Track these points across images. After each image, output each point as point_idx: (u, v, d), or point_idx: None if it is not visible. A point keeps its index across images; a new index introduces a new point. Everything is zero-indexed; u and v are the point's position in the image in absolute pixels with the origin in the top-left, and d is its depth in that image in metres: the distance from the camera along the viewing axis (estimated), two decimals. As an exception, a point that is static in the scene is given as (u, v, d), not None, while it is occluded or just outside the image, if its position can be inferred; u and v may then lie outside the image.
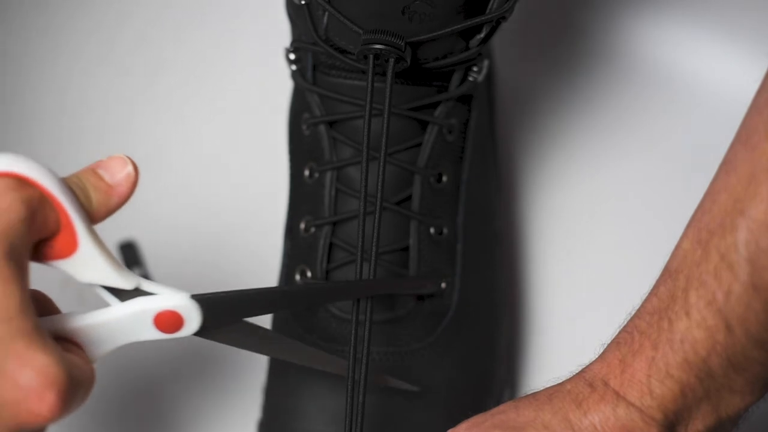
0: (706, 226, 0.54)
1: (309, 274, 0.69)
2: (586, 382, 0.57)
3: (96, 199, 0.54)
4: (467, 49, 0.67)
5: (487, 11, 0.64)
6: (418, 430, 0.68)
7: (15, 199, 0.50)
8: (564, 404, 0.56)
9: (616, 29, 0.88)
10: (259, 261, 0.78)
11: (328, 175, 0.69)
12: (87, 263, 0.54)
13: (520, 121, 0.85)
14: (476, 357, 0.71)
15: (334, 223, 0.69)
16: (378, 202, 0.63)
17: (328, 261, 0.69)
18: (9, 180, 0.51)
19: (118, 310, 0.55)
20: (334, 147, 0.69)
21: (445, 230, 0.70)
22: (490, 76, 0.76)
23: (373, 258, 0.62)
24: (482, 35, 0.66)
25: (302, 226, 0.70)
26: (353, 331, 0.62)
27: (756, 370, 0.54)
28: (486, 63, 0.69)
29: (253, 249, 0.80)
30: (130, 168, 0.55)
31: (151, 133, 0.86)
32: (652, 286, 0.57)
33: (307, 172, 0.70)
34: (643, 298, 0.57)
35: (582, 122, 0.85)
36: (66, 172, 0.80)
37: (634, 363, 0.55)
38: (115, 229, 0.81)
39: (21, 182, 0.51)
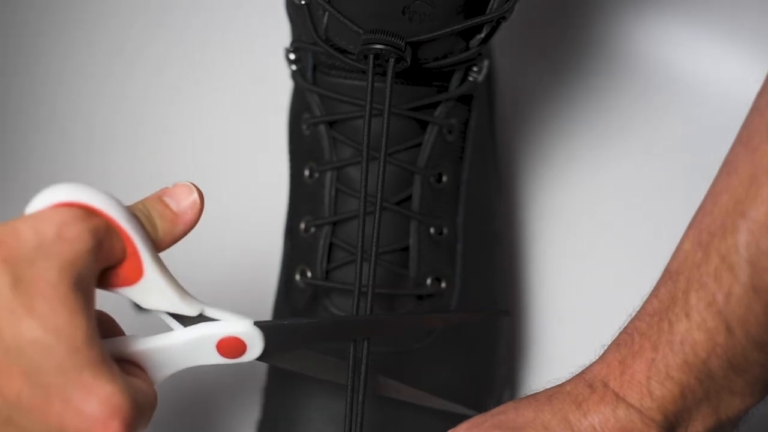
0: (707, 227, 0.54)
1: (309, 274, 0.69)
2: (586, 383, 0.57)
3: (162, 227, 0.55)
4: (467, 49, 0.67)
5: (487, 11, 0.64)
6: (418, 431, 0.68)
7: (83, 229, 0.51)
8: (564, 405, 0.56)
9: (616, 29, 0.88)
10: (259, 261, 0.78)
11: (328, 175, 0.69)
12: (152, 290, 0.55)
13: (520, 121, 0.85)
14: (476, 357, 0.71)
15: (334, 223, 0.69)
16: (378, 202, 0.62)
17: (328, 261, 0.69)
18: (76, 210, 0.51)
19: (182, 334, 0.56)
20: (334, 147, 0.69)
21: (445, 230, 0.70)
22: (490, 76, 0.76)
23: (373, 258, 0.62)
24: (482, 35, 0.66)
25: (302, 226, 0.70)
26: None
27: (756, 372, 0.54)
28: (486, 63, 0.69)
29: (253, 249, 0.80)
30: (195, 196, 0.56)
31: (149, 133, 0.86)
32: (652, 288, 0.57)
33: (307, 172, 0.70)
34: (644, 299, 0.57)
35: (582, 122, 0.85)
36: (59, 172, 0.80)
37: (634, 364, 0.55)
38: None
39: (88, 212, 0.52)
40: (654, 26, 0.87)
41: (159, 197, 0.56)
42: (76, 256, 0.50)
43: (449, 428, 0.59)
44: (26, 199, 0.53)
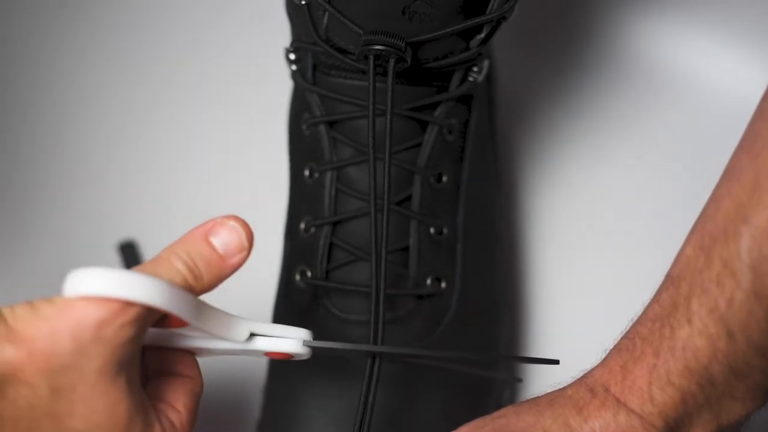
0: (709, 232, 0.54)
1: (309, 274, 0.69)
2: (587, 388, 0.57)
3: (207, 272, 0.54)
4: (467, 49, 0.66)
5: (488, 11, 0.64)
6: (421, 429, 0.68)
7: (122, 324, 0.50)
8: (565, 410, 0.56)
9: (617, 29, 0.87)
10: (259, 261, 0.78)
11: (328, 175, 0.69)
12: (198, 334, 0.56)
13: (520, 122, 0.85)
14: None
15: (334, 223, 0.69)
16: (385, 203, 0.62)
17: (328, 261, 0.69)
18: (113, 304, 0.50)
19: (234, 346, 0.57)
20: (334, 147, 0.69)
21: (445, 230, 0.70)
22: (490, 76, 0.76)
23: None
24: (482, 35, 0.66)
25: (302, 226, 0.70)
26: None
27: (757, 378, 0.54)
28: (486, 63, 0.69)
29: (254, 249, 0.80)
30: (243, 238, 0.56)
31: (150, 133, 0.86)
32: (654, 293, 0.57)
33: (307, 172, 0.70)
34: (646, 304, 0.57)
35: (583, 123, 0.85)
36: (56, 173, 0.79)
37: (635, 370, 0.55)
38: (115, 228, 0.81)
39: (126, 304, 0.51)
40: (654, 26, 0.87)
41: (204, 236, 0.55)
42: (116, 349, 0.51)
43: (451, 428, 0.60)
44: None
